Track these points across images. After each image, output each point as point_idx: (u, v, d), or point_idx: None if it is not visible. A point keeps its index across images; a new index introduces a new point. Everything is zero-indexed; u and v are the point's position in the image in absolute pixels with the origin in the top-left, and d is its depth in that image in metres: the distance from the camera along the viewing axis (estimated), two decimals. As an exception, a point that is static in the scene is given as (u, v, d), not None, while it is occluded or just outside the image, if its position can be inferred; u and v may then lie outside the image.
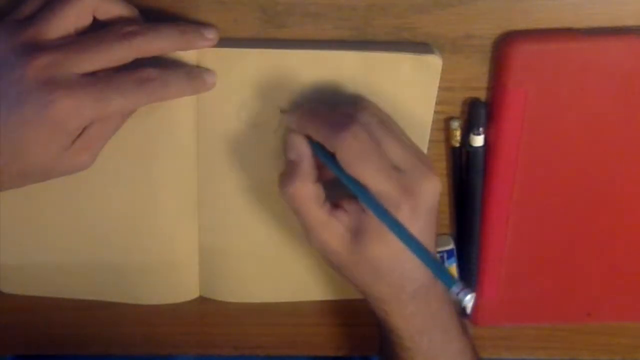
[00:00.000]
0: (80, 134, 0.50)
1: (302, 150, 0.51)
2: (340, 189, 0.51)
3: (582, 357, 0.69)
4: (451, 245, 0.62)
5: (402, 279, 0.52)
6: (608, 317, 0.66)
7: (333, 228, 0.51)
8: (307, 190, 0.51)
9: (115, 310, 0.65)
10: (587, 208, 0.60)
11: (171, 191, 0.58)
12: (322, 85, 0.54)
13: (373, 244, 0.50)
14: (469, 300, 0.45)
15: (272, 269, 0.63)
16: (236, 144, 0.57)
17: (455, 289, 0.45)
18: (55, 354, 0.69)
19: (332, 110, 0.52)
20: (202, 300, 0.64)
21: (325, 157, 0.51)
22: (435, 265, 0.47)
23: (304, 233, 0.52)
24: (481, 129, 0.57)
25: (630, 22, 0.54)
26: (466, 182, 0.59)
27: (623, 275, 0.63)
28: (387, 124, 0.51)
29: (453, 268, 0.62)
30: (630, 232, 0.62)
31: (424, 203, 0.50)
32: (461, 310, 0.64)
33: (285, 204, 0.52)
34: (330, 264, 0.54)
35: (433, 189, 0.50)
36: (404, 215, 0.49)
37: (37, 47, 0.48)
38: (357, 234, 0.51)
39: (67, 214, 0.59)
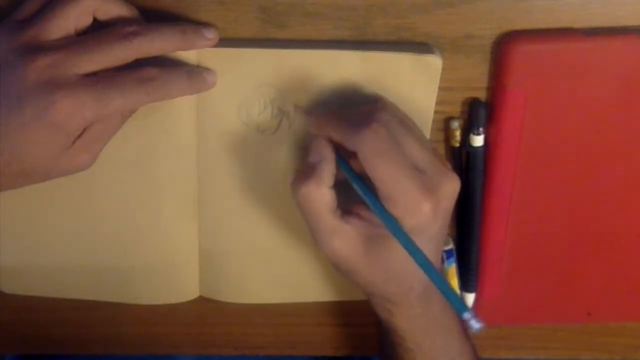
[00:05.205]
0: (80, 135, 0.50)
1: (325, 154, 0.50)
2: (352, 195, 0.51)
3: (582, 357, 0.69)
4: (451, 245, 0.62)
5: (412, 279, 0.52)
6: (608, 317, 0.66)
7: (344, 234, 0.50)
8: (321, 194, 0.50)
9: (115, 310, 0.65)
10: (587, 208, 0.60)
11: (171, 191, 0.58)
12: (322, 85, 0.54)
13: (388, 249, 0.50)
14: (477, 329, 0.45)
15: (272, 269, 0.63)
16: (236, 144, 0.57)
17: (467, 315, 0.45)
18: (55, 354, 0.69)
19: (350, 111, 0.52)
20: (202, 300, 0.64)
21: (341, 163, 0.50)
22: (446, 286, 0.47)
23: (312, 238, 0.51)
24: (481, 129, 0.57)
25: (630, 22, 0.54)
26: (466, 182, 0.59)
27: (623, 275, 0.63)
28: (406, 123, 0.51)
29: (453, 268, 0.62)
30: (630, 232, 0.62)
31: (444, 203, 0.49)
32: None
33: (286, 206, 0.52)
34: (338, 269, 0.53)
35: (453, 189, 0.50)
36: (425, 215, 0.48)
37: (38, 48, 0.48)
38: (370, 239, 0.50)
39: (68, 214, 0.59)
